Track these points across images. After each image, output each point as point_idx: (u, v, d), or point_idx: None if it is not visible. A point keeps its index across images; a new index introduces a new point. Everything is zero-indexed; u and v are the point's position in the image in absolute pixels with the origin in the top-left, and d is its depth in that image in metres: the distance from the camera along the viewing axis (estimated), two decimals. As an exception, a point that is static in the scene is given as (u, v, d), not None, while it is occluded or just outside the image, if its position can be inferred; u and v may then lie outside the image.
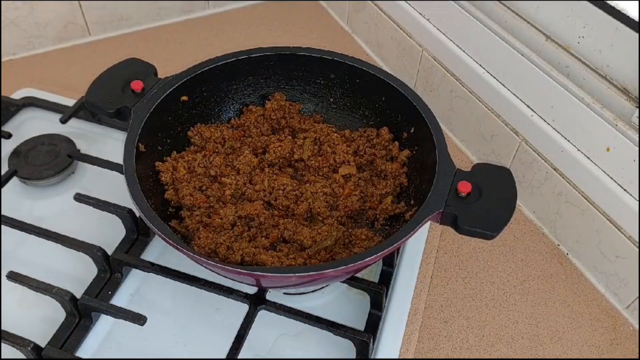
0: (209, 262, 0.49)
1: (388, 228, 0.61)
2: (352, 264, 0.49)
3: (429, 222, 0.55)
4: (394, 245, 0.50)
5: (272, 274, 0.49)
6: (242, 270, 0.50)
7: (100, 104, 0.61)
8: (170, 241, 0.49)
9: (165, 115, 0.63)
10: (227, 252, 0.56)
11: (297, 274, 0.48)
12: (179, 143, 0.65)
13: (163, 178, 0.61)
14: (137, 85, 0.61)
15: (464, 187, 0.53)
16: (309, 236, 0.58)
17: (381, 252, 0.49)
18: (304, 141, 0.67)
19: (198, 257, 0.49)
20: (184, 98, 0.64)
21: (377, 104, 0.67)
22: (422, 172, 0.60)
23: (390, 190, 0.63)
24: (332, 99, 0.70)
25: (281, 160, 0.66)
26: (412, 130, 0.63)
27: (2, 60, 0.90)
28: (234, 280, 0.57)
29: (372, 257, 0.49)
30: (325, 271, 0.49)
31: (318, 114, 0.71)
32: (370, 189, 0.63)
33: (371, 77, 0.65)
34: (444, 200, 0.52)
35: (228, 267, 0.49)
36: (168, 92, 0.62)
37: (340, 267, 0.48)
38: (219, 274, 0.54)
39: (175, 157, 0.64)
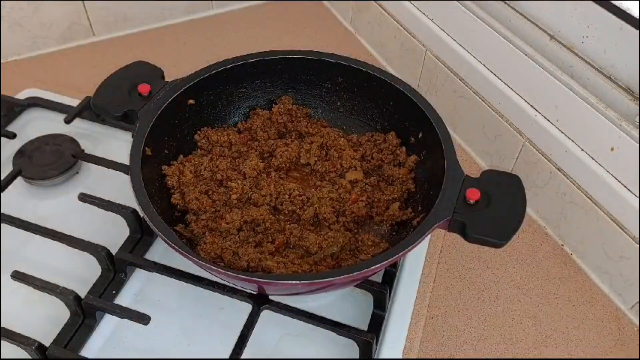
0: (213, 267, 0.49)
1: (395, 234, 0.61)
2: (358, 272, 0.48)
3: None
4: (401, 253, 0.50)
5: (277, 281, 0.49)
6: (246, 277, 0.50)
7: (107, 107, 0.61)
8: (175, 246, 0.50)
9: (171, 119, 0.63)
10: (232, 257, 0.56)
11: (302, 282, 0.48)
12: (185, 146, 0.65)
13: (169, 182, 0.61)
14: (144, 88, 0.62)
15: (473, 195, 0.52)
16: (315, 242, 0.58)
17: (388, 260, 0.49)
18: (311, 146, 0.67)
19: (202, 262, 0.49)
20: (191, 101, 0.64)
21: (385, 108, 0.67)
22: (430, 178, 0.60)
23: (397, 196, 0.63)
24: (339, 103, 0.70)
25: (288, 164, 0.66)
26: (420, 136, 0.63)
27: (7, 60, 0.90)
28: (235, 286, 0.57)
29: (379, 265, 0.49)
30: (331, 279, 0.49)
31: (325, 118, 0.71)
32: (377, 194, 0.63)
33: (379, 81, 0.65)
34: (452, 208, 0.52)
35: (232, 273, 0.49)
36: (175, 95, 0.62)
37: (347, 275, 0.48)
38: (223, 280, 0.55)
39: (182, 161, 0.64)
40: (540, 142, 0.68)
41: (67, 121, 0.74)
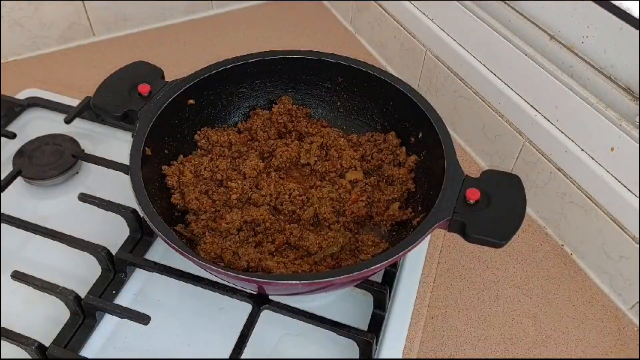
0: (213, 267, 0.49)
1: (395, 234, 0.61)
2: (358, 272, 0.48)
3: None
4: (401, 253, 0.50)
5: (277, 281, 0.49)
6: (246, 277, 0.50)
7: (107, 107, 0.61)
8: (175, 246, 0.50)
9: (171, 119, 0.63)
10: (232, 257, 0.56)
11: (302, 282, 0.48)
12: (185, 147, 0.65)
13: (169, 182, 0.61)
14: (144, 88, 0.62)
15: (473, 195, 0.52)
16: (315, 242, 0.58)
17: (388, 260, 0.49)
18: (311, 146, 0.67)
19: (202, 262, 0.49)
20: (191, 101, 0.64)
21: (385, 108, 0.67)
22: (430, 178, 0.59)
23: (397, 196, 0.63)
24: (339, 103, 0.70)
25: (288, 164, 0.66)
26: (420, 136, 0.63)
27: (7, 60, 0.90)
28: (235, 286, 0.57)
29: (379, 265, 0.49)
30: (331, 279, 0.49)
31: (325, 118, 0.71)
32: (377, 194, 0.63)
33: (379, 81, 0.65)
34: (452, 208, 0.52)
35: (232, 273, 0.49)
36: (175, 95, 0.62)
37: (347, 275, 0.48)
38: (223, 280, 0.55)
39: (182, 161, 0.64)
40: (540, 142, 0.68)
41: (67, 121, 0.74)
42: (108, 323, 0.59)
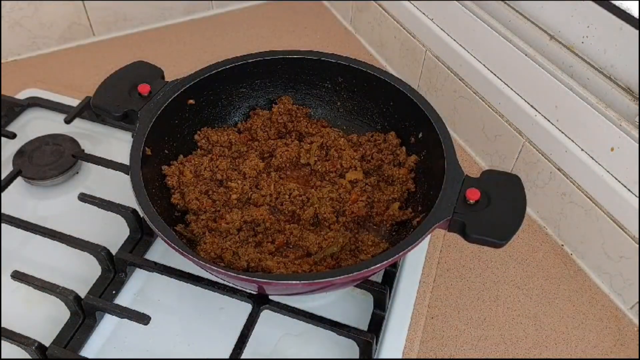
0: (213, 267, 0.49)
1: (395, 234, 0.61)
2: (358, 272, 0.48)
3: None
4: (401, 253, 0.50)
5: (277, 281, 0.49)
6: (246, 277, 0.50)
7: (107, 107, 0.61)
8: (175, 246, 0.50)
9: (172, 119, 0.63)
10: (232, 257, 0.56)
11: (302, 282, 0.48)
12: (185, 147, 0.65)
13: (169, 182, 0.61)
14: (144, 88, 0.62)
15: (473, 195, 0.52)
16: (315, 242, 0.58)
17: (388, 260, 0.49)
18: (311, 146, 0.67)
19: (203, 262, 0.49)
20: (191, 101, 0.64)
21: (385, 108, 0.67)
22: (430, 178, 0.60)
23: (397, 196, 0.63)
24: (339, 103, 0.70)
25: (288, 164, 0.66)
26: (420, 136, 0.63)
27: (7, 60, 0.90)
28: (235, 286, 0.57)
29: (379, 265, 0.49)
30: (331, 279, 0.49)
31: (325, 118, 0.71)
32: (377, 194, 0.63)
33: (379, 81, 0.65)
34: (452, 208, 0.52)
35: (232, 273, 0.49)
36: (175, 95, 0.62)
37: (347, 275, 0.48)
38: (223, 280, 0.55)
39: (182, 161, 0.64)
40: (540, 142, 0.68)
41: (67, 121, 0.74)
42: (108, 323, 0.59)
